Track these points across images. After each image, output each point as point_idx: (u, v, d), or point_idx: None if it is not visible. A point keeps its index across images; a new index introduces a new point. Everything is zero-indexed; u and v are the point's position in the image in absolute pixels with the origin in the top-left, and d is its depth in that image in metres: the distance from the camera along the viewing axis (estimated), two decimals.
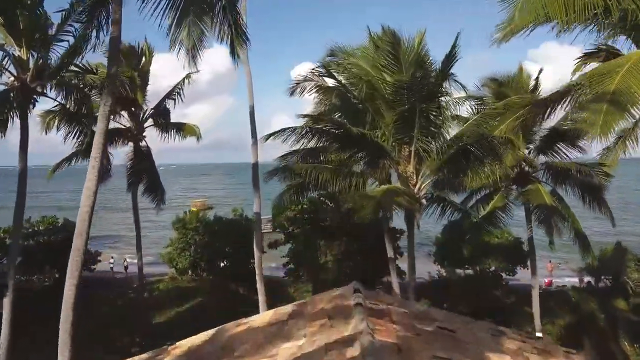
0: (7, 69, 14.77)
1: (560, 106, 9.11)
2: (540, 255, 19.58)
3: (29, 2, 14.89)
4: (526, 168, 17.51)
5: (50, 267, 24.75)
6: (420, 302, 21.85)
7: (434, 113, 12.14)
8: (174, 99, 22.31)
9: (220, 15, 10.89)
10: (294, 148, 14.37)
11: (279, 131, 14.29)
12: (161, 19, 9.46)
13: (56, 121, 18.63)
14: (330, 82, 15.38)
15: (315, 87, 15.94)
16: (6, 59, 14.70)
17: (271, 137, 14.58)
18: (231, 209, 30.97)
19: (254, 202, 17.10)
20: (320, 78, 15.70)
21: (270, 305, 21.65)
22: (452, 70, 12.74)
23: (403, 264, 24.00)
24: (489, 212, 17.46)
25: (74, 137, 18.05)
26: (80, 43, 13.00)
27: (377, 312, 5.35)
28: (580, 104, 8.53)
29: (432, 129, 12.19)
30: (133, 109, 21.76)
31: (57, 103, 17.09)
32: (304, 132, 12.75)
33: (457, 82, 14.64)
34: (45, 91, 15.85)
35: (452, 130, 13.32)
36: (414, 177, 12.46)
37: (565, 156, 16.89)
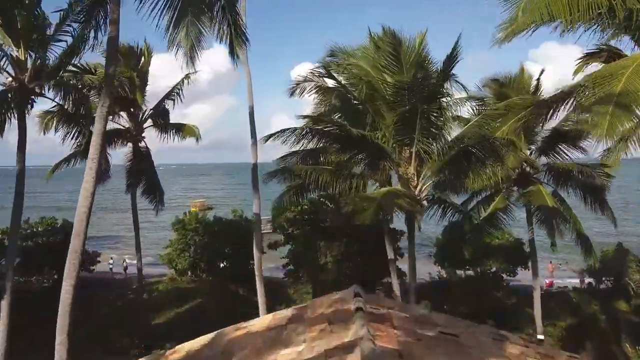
0: (4, 70, 14.66)
1: (562, 107, 9.00)
2: (542, 256, 19.50)
3: (27, 2, 14.80)
4: (527, 169, 17.40)
5: (49, 268, 24.66)
6: (421, 304, 21.78)
7: (435, 114, 12.02)
8: (173, 100, 22.25)
9: (220, 15, 10.80)
10: (293, 149, 14.30)
11: (278, 132, 14.20)
12: (159, 19, 9.36)
13: (54, 122, 18.56)
14: (330, 82, 15.29)
15: (315, 88, 15.83)
16: (4, 59, 14.58)
17: (271, 138, 14.54)
18: (231, 210, 30.91)
19: (253, 203, 17.02)
20: (320, 79, 15.60)
21: (269, 307, 21.55)
22: (452, 71, 12.69)
23: (403, 265, 23.90)
24: (490, 213, 17.33)
25: (72, 138, 17.96)
26: (78, 43, 12.91)
27: (377, 316, 5.28)
28: (583, 106, 8.43)
29: (433, 130, 12.07)
30: (132, 109, 21.68)
31: (56, 104, 16.99)
32: (303, 132, 12.66)
33: (458, 82, 14.59)
34: (43, 92, 15.79)
35: (453, 132, 13.21)
36: (415, 179, 12.35)
37: (567, 157, 16.78)
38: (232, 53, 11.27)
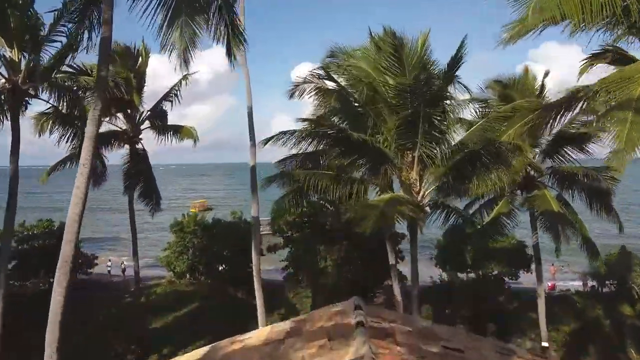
0: None
1: (571, 111, 8.68)
2: (544, 258, 19.18)
3: (20, 1, 14.47)
4: (532, 172, 17.03)
5: (45, 271, 24.37)
6: (424, 309, 21.45)
7: (438, 117, 11.65)
8: (171, 101, 21.94)
9: (216, 15, 10.47)
10: (293, 151, 13.99)
11: (277, 135, 13.91)
12: (152, 19, 8.99)
13: (50, 123, 18.23)
14: (330, 84, 14.96)
15: (314, 89, 15.50)
16: None
17: (270, 141, 14.22)
18: (230, 212, 30.66)
19: (252, 207, 16.71)
20: (320, 80, 15.27)
21: (269, 311, 21.30)
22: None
23: (404, 268, 23.60)
24: (493, 218, 16.96)
25: (67, 141, 17.62)
26: (71, 44, 12.57)
27: (379, 331, 5.05)
28: (595, 110, 8.12)
29: (436, 134, 11.68)
30: (129, 110, 21.36)
31: (50, 105, 16.67)
32: (303, 136, 12.35)
33: (461, 84, 14.26)
34: (37, 93, 15.48)
35: (457, 135, 12.84)
36: (417, 184, 11.98)
37: (571, 160, 16.41)
38: (230, 54, 10.93)
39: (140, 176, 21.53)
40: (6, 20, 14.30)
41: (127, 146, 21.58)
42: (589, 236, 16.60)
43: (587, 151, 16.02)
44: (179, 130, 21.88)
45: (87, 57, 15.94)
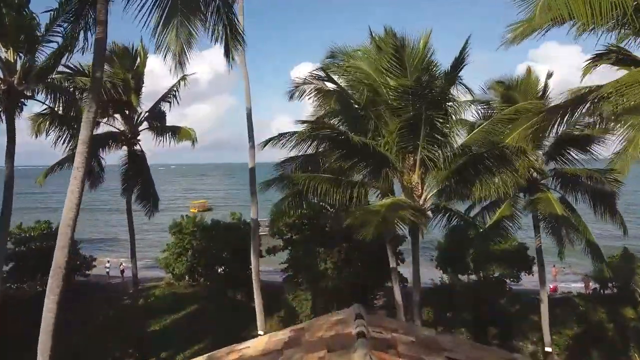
0: None
1: (578, 114, 8.45)
2: (546, 260, 18.93)
3: (15, 1, 14.24)
4: (534, 174, 16.78)
5: (42, 273, 24.20)
6: (425, 311, 21.20)
7: (440, 120, 11.41)
8: (170, 102, 21.69)
9: (215, 15, 10.24)
10: (292, 153, 13.81)
11: (276, 137, 13.76)
12: (147, 19, 8.75)
13: (47, 124, 18.01)
14: (330, 85, 14.74)
15: (314, 91, 15.29)
16: None
17: (269, 143, 14.03)
18: (229, 213, 30.46)
19: (251, 210, 16.50)
20: (320, 81, 15.04)
21: (268, 313, 21.09)
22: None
23: (404, 269, 23.38)
24: (496, 221, 16.72)
25: (63, 142, 17.40)
26: (67, 44, 12.33)
27: (381, 342, 4.89)
28: (598, 111, 7.89)
29: (439, 136, 11.43)
30: (127, 111, 21.11)
31: (47, 106, 16.45)
32: (303, 138, 12.11)
33: (463, 85, 14.02)
34: (34, 94, 15.25)
35: (459, 138, 12.58)
36: (419, 188, 11.74)
37: (575, 162, 16.15)
38: (228, 54, 10.72)
39: (139, 178, 21.29)
40: (1, 20, 14.07)
41: (125, 147, 21.33)
42: (594, 240, 16.35)
43: (591, 153, 15.76)
44: (177, 132, 21.63)
45: (85, 58, 15.75)
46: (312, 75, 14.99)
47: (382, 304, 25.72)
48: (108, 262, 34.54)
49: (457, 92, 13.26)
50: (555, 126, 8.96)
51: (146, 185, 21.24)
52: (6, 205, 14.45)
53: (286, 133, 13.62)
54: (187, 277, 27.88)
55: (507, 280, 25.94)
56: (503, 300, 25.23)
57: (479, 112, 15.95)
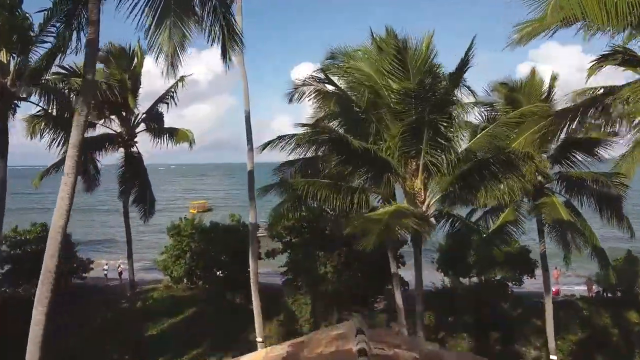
0: None
1: (587, 117, 8.13)
2: (549, 263, 18.62)
3: (8, 1, 13.90)
4: (539, 178, 16.43)
5: (37, 277, 23.91)
6: (426, 315, 20.83)
7: (444, 124, 11.07)
8: (167, 103, 21.35)
9: (211, 15, 9.93)
10: (292, 156, 13.51)
11: (275, 140, 13.50)
12: (139, 19, 8.42)
13: (42, 126, 17.69)
14: (330, 87, 14.42)
15: (314, 92, 14.98)
16: None
17: (268, 146, 13.77)
18: (229, 214, 30.16)
19: (249, 214, 16.19)
20: (320, 83, 14.73)
21: (267, 317, 20.76)
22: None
23: (404, 272, 23.04)
24: (499, 226, 16.38)
25: (58, 144, 17.08)
26: (59, 45, 12.00)
27: (383, 359, 4.62)
28: (609, 112, 7.57)
29: (442, 141, 11.07)
30: (124, 113, 20.77)
31: (41, 108, 16.13)
32: (302, 141, 11.82)
33: (466, 86, 13.71)
34: (29, 96, 14.92)
35: (463, 142, 12.24)
36: (422, 194, 11.40)
37: (581, 165, 15.80)
38: (225, 56, 10.40)
39: (136, 180, 20.96)
40: None
41: (121, 149, 21.00)
42: (600, 245, 16.02)
43: (596, 156, 15.41)
44: (174, 133, 21.28)
45: (80, 58, 15.43)
46: (312, 77, 14.68)
47: (382, 308, 25.40)
48: (106, 264, 34.20)
49: (461, 94, 12.97)
50: (565, 130, 8.63)
51: (143, 188, 20.93)
52: None
53: (285, 136, 13.35)
54: (185, 280, 27.58)
55: (509, 283, 25.62)
56: (505, 303, 24.90)
57: (482, 114, 15.65)
